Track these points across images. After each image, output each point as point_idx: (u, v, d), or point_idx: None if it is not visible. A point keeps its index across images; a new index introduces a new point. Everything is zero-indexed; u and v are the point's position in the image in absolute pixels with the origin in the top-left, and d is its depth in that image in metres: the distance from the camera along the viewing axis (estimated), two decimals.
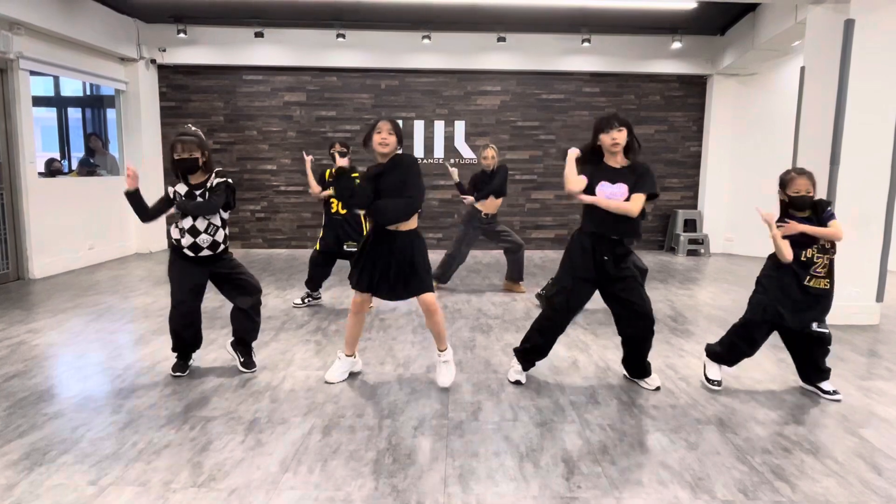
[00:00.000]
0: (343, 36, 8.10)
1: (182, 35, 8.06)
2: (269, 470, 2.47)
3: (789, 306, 3.22)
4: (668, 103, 8.99)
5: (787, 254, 3.18)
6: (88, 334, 4.41)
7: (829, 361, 3.98)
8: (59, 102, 9.13)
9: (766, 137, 8.31)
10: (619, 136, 3.20)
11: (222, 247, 3.47)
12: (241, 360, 3.65)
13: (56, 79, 8.82)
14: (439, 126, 8.85)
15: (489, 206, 5.87)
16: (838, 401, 3.30)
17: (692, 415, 3.08)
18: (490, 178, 5.83)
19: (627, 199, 3.19)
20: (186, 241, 3.38)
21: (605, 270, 3.26)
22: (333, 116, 8.82)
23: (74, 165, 8.32)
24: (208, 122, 8.73)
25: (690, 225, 8.97)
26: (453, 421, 2.97)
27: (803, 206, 3.19)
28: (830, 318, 4.89)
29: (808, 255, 3.20)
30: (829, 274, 3.24)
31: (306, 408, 3.10)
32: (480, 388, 3.41)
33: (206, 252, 3.41)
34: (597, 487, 2.37)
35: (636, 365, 3.50)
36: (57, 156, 8.44)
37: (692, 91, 8.96)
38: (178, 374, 3.55)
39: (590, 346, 4.25)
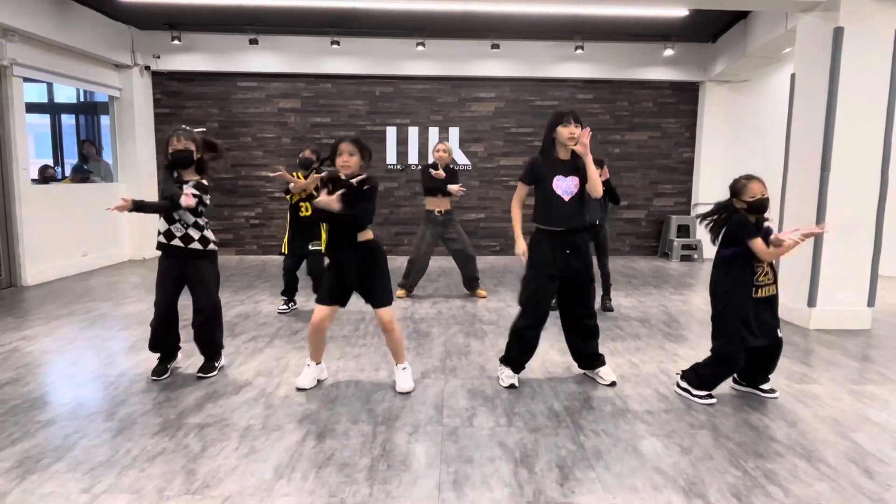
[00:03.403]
0: (338, 43, 8.12)
1: (176, 42, 8.06)
2: (263, 477, 2.46)
3: (753, 323, 3.18)
4: (661, 110, 9.05)
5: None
6: (82, 341, 4.39)
7: (823, 366, 4.02)
8: (52, 109, 9.09)
9: (758, 143, 8.38)
10: (577, 131, 3.31)
11: (196, 244, 3.45)
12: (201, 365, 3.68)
13: (49, 85, 8.80)
14: (434, 133, 8.88)
15: (440, 202, 5.75)
16: (776, 398, 3.37)
17: (686, 420, 3.09)
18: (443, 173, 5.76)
19: (581, 191, 3.39)
20: (161, 226, 3.42)
21: (568, 264, 3.40)
22: (328, 123, 8.83)
23: (68, 172, 8.29)
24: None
25: (684, 230, 9.01)
26: (448, 427, 2.97)
27: (763, 209, 3.14)
28: (823, 323, 4.98)
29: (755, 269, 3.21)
30: (774, 279, 3.26)
31: (301, 414, 3.09)
32: (475, 394, 3.41)
33: (177, 242, 3.41)
34: (591, 493, 2.37)
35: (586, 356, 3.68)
36: (50, 162, 8.41)
37: (684, 98, 9.03)
38: (155, 377, 3.54)
39: None
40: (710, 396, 3.33)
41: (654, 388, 3.55)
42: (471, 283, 6.05)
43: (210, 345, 3.65)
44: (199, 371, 3.62)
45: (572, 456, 2.68)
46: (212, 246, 3.53)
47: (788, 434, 2.94)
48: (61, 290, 6.25)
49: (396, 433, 2.89)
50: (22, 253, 6.40)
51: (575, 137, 3.31)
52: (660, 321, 5.20)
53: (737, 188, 3.19)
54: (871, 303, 5.03)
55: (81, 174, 7.88)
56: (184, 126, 3.52)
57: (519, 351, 3.54)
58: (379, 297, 3.34)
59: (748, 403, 3.33)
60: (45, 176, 7.56)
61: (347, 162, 3.19)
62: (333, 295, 3.33)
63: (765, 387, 3.40)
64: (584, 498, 2.33)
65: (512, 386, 3.50)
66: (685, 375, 3.43)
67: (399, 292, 5.94)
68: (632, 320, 5.21)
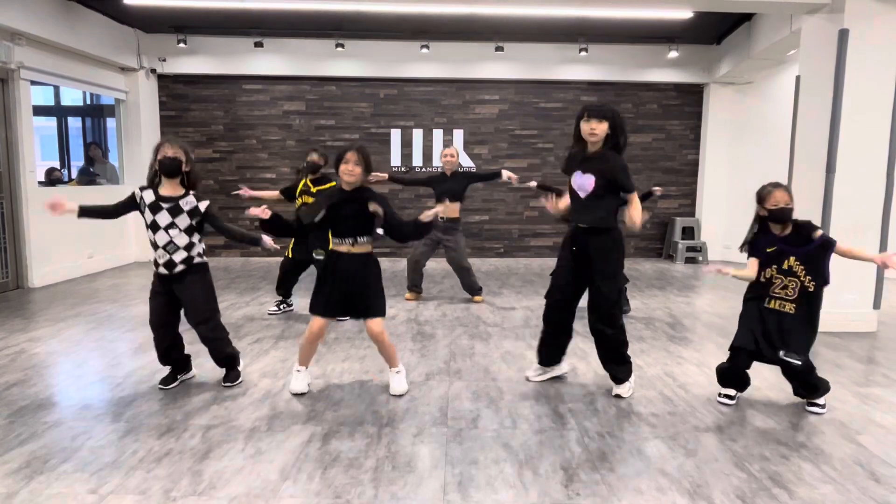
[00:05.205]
0: (342, 45, 8.15)
1: (182, 45, 8.11)
2: (268, 478, 2.47)
3: (759, 332, 3.19)
4: (666, 112, 9.04)
5: (752, 273, 3.22)
6: (88, 343, 4.42)
7: (828, 368, 4.00)
8: (59, 112, 9.16)
9: (763, 145, 8.36)
10: (598, 128, 3.18)
11: (180, 267, 3.31)
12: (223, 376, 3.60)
13: (56, 88, 8.87)
14: (438, 135, 8.89)
15: (448, 208, 5.61)
16: (820, 413, 3.24)
17: (690, 422, 3.09)
18: (450, 181, 5.73)
19: (597, 192, 3.22)
20: (151, 254, 3.36)
21: (578, 262, 3.36)
22: (332, 125, 8.85)
23: (74, 174, 8.34)
24: (208, 132, 8.77)
25: (688, 233, 9.00)
26: (452, 428, 2.97)
27: (783, 219, 3.10)
28: (828, 325, 4.94)
29: (767, 276, 3.17)
30: (799, 299, 3.12)
31: (306, 416, 3.10)
32: (479, 396, 3.42)
33: (162, 270, 3.32)
34: (596, 495, 2.38)
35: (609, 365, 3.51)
36: (57, 165, 8.47)
37: (689, 99, 9.02)
38: (163, 386, 3.45)
39: (588, 354, 4.25)
40: (731, 398, 3.33)
41: (659, 390, 3.55)
42: (471, 290, 6.00)
43: (225, 360, 3.55)
44: (224, 381, 3.54)
45: (577, 458, 2.68)
46: (197, 260, 3.39)
47: (794, 436, 2.94)
48: (67, 291, 6.28)
49: (401, 435, 2.89)
50: (28, 255, 6.44)
51: (596, 133, 3.19)
52: (664, 323, 5.20)
53: (762, 195, 3.14)
54: (876, 305, 5.01)
55: (87, 177, 7.92)
56: (176, 137, 3.48)
57: (544, 332, 3.59)
58: (365, 310, 3.32)
59: (752, 406, 3.32)
60: (52, 178, 7.61)
61: (353, 171, 3.17)
62: (331, 306, 3.32)
63: (816, 402, 3.25)
64: (588, 500, 2.34)
65: (527, 379, 3.63)
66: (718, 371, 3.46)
67: (407, 295, 5.99)
68: (636, 322, 5.21)
